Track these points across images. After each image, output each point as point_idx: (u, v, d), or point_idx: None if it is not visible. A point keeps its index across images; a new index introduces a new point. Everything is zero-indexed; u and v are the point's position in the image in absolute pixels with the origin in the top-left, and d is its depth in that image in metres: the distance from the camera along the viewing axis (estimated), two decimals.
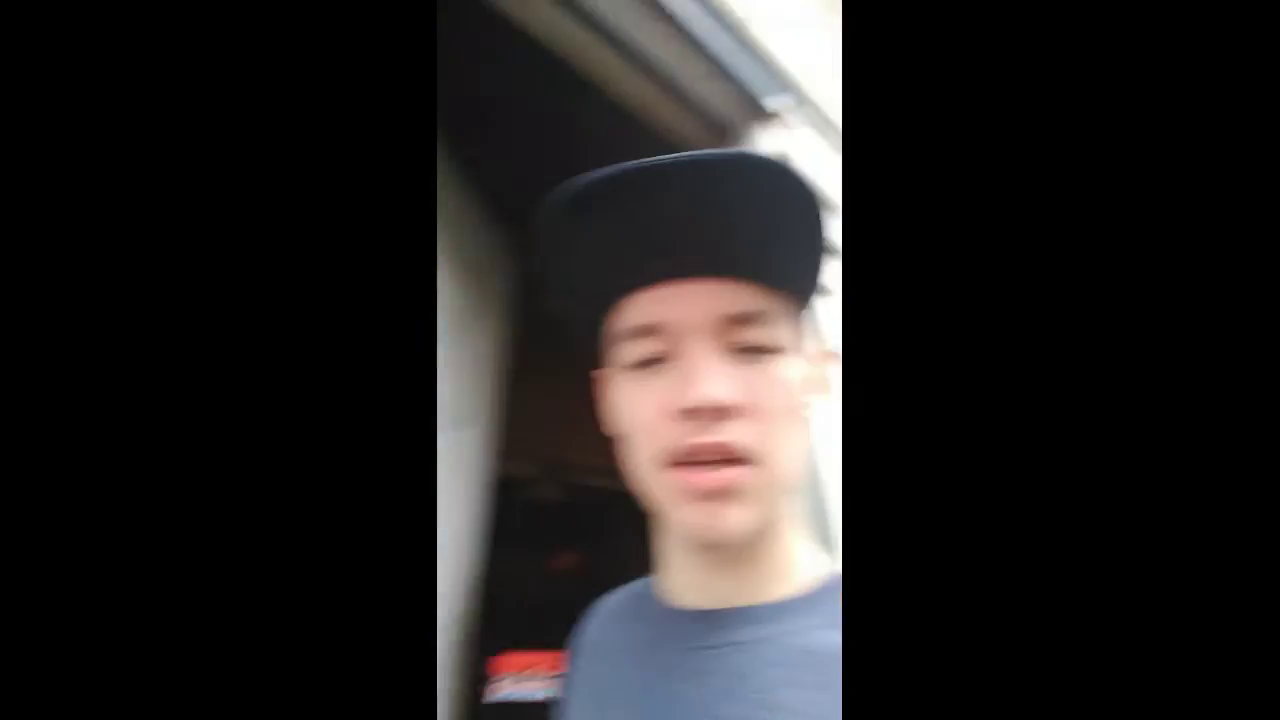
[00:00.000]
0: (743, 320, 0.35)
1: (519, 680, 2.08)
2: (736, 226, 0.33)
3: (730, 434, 0.33)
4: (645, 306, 0.36)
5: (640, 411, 0.36)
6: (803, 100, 1.18)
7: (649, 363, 0.36)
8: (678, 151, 0.31)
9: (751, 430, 0.34)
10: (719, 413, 0.33)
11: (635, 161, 0.31)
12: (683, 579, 0.41)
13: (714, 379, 0.33)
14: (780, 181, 0.32)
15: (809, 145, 1.17)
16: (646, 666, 0.38)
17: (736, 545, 0.35)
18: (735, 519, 0.34)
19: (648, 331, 0.36)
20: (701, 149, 0.31)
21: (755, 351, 0.35)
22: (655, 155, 0.31)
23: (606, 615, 0.47)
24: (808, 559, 0.41)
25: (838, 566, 0.41)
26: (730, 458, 0.34)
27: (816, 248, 0.35)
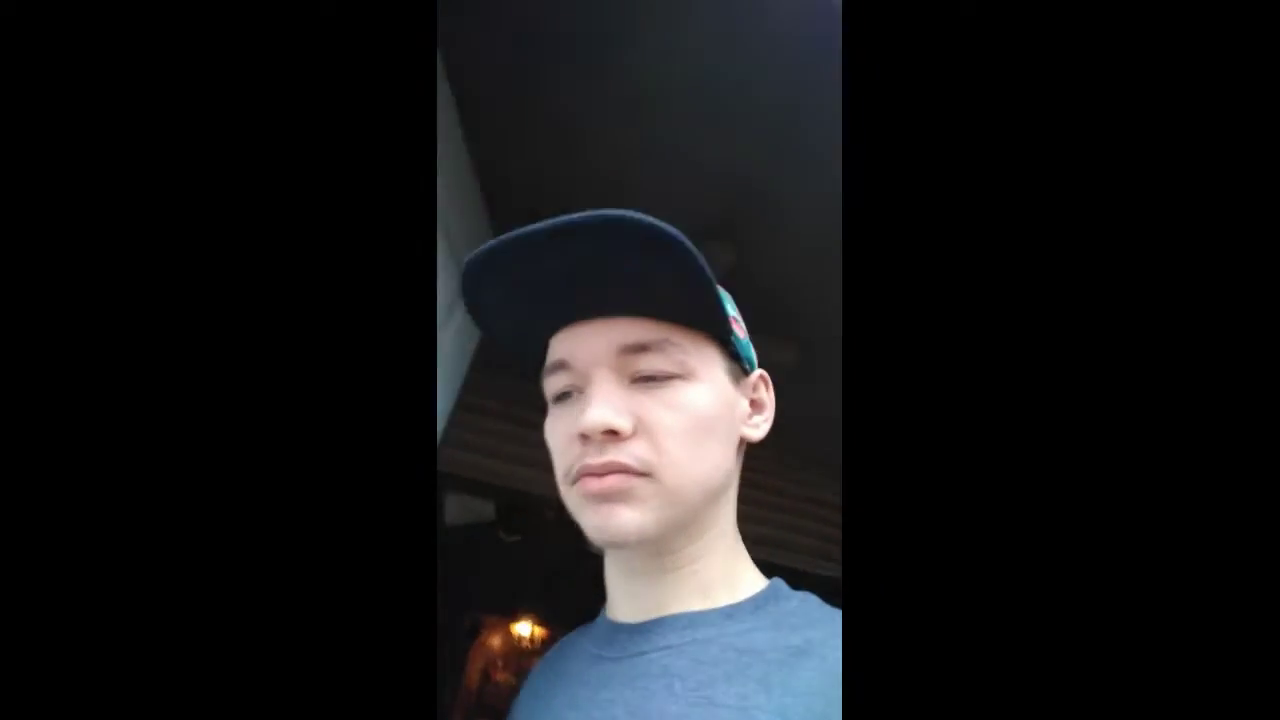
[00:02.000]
0: (637, 349, 0.39)
1: None
2: (622, 272, 0.38)
3: (620, 454, 0.38)
4: (558, 346, 0.42)
5: (556, 438, 0.42)
6: None
7: (564, 395, 0.42)
8: None
9: (643, 449, 0.38)
10: (608, 435, 0.38)
11: (524, 229, 0.36)
12: (620, 596, 0.45)
13: (601, 405, 0.38)
14: (648, 232, 0.35)
15: None
16: (585, 682, 0.42)
17: (634, 545, 0.39)
18: (626, 519, 0.38)
19: (560, 367, 0.41)
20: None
21: (652, 379, 0.39)
22: None
23: (557, 648, 0.51)
24: (750, 577, 0.44)
25: (777, 578, 0.45)
26: (622, 472, 0.38)
27: (694, 282, 0.38)
